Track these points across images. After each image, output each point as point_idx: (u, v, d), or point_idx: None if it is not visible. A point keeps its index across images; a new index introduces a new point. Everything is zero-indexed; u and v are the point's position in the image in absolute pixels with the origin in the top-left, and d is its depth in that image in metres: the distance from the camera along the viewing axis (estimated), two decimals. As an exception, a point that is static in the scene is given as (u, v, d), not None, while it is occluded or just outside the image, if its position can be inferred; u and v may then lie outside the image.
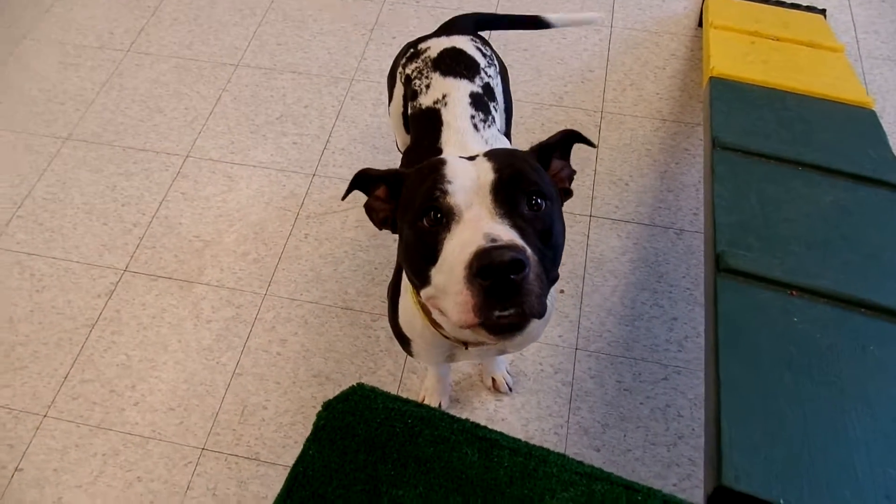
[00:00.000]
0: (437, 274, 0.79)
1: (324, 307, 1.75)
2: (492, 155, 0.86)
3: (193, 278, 1.82)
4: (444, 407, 1.56)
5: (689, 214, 1.91)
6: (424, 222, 0.81)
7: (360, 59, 2.32)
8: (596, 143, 0.98)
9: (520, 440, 0.81)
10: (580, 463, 0.81)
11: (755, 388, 0.90)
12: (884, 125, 1.65)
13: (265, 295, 1.78)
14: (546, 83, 2.24)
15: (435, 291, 0.81)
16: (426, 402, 1.55)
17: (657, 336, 1.69)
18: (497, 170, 0.82)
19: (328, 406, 0.83)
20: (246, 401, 1.61)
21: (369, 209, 0.99)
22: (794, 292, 1.06)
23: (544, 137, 2.18)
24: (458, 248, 0.75)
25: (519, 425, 1.56)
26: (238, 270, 1.83)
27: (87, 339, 1.72)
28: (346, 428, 0.79)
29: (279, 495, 0.76)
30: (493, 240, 0.72)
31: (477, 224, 0.76)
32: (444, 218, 0.80)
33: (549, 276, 0.80)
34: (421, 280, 0.82)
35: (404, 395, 1.59)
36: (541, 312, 0.74)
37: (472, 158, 0.87)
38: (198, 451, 1.54)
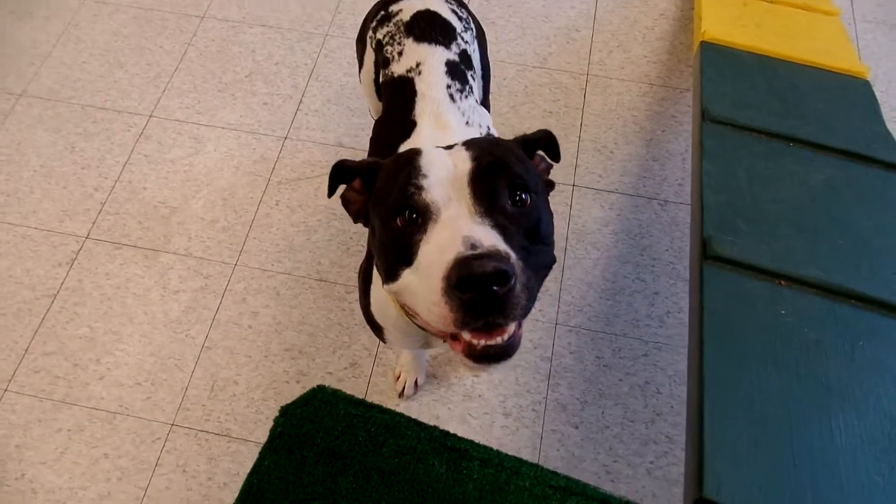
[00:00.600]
0: (411, 275, 0.73)
1: (296, 278, 1.69)
2: (470, 144, 0.79)
3: (159, 247, 1.74)
4: (419, 384, 1.53)
5: (675, 185, 1.86)
6: (398, 222, 0.74)
7: (334, 12, 2.19)
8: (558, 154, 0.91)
9: (491, 450, 0.77)
10: (555, 475, 0.78)
11: (740, 390, 0.87)
12: (876, 93, 1.60)
13: (235, 265, 1.71)
14: (530, 42, 2.14)
15: (404, 290, 0.74)
16: (402, 378, 1.52)
17: (638, 311, 1.66)
18: (475, 158, 0.75)
19: (286, 412, 0.78)
20: (216, 375, 1.56)
21: (345, 201, 0.92)
22: (782, 282, 1.02)
23: (527, 102, 2.11)
24: (436, 252, 0.68)
25: (496, 401, 1.54)
26: (206, 239, 1.75)
27: (48, 310, 1.65)
28: (304, 436, 0.74)
29: (233, 511, 0.72)
30: (474, 245, 0.65)
31: (455, 226, 0.69)
32: (420, 217, 0.73)
33: (539, 273, 0.74)
34: (390, 277, 0.76)
35: (380, 371, 1.57)
36: (526, 314, 0.68)
37: (449, 147, 0.80)
38: (167, 427, 1.50)
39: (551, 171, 0.95)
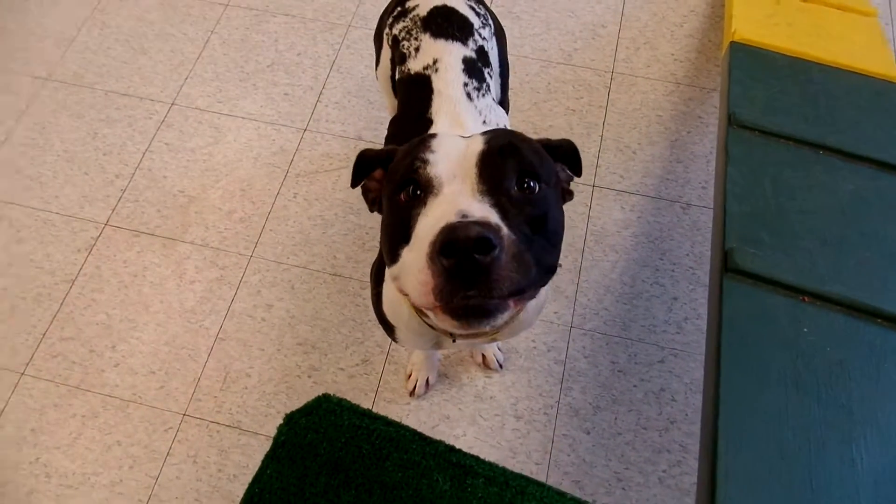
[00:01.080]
0: (408, 252, 0.70)
1: (311, 272, 1.69)
2: (488, 131, 0.78)
3: (177, 236, 1.75)
4: (431, 383, 1.52)
5: (698, 188, 1.82)
6: (401, 196, 0.73)
7: (357, 3, 2.17)
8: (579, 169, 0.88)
9: (497, 467, 0.75)
10: (562, 496, 0.76)
11: (758, 410, 0.84)
12: (913, 101, 1.54)
13: (251, 257, 1.71)
14: (555, 38, 2.10)
15: (402, 272, 0.72)
16: (413, 377, 1.51)
17: (656, 316, 1.63)
18: (487, 141, 0.74)
19: (290, 420, 0.77)
20: (229, 367, 1.57)
21: (365, 190, 0.91)
22: (805, 298, 0.99)
23: (549, 99, 2.08)
24: (431, 224, 0.66)
25: (508, 404, 1.52)
26: (223, 229, 1.75)
27: (66, 295, 1.66)
28: (307, 446, 0.73)
29: (235, 520, 0.72)
30: (465, 216, 0.63)
31: (454, 200, 0.67)
32: (422, 192, 0.71)
33: (542, 264, 0.70)
34: (392, 259, 0.74)
35: (392, 369, 1.56)
36: (516, 292, 0.64)
37: (468, 137, 0.79)
38: (178, 417, 1.51)
39: (571, 182, 0.92)
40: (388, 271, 0.76)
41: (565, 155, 0.87)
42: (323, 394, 0.79)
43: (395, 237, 0.73)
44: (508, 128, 1.17)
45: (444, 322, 0.67)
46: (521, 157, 0.73)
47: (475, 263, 0.60)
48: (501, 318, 0.67)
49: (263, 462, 0.76)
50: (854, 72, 1.56)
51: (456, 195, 0.68)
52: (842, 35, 1.72)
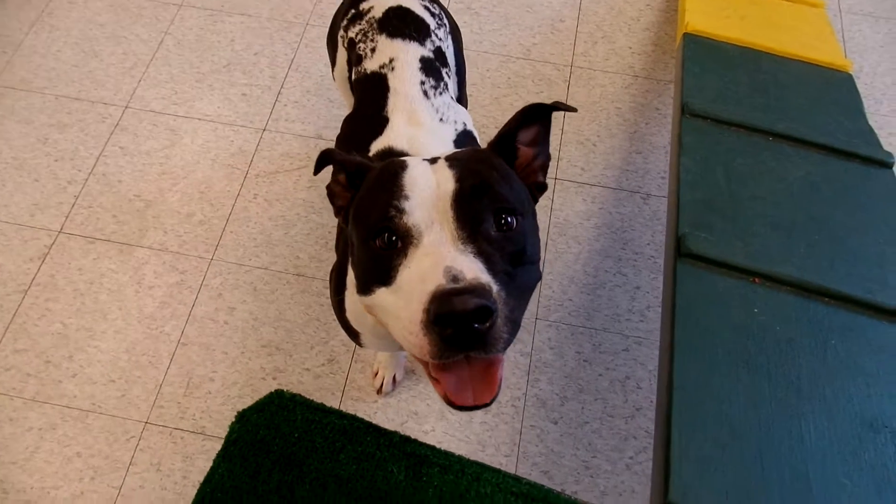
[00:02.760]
0: (389, 295, 0.70)
1: (274, 273, 1.67)
2: (454, 160, 0.76)
3: (134, 241, 1.71)
4: (398, 380, 1.51)
5: (657, 178, 1.85)
6: (377, 243, 0.71)
7: (315, 1, 2.15)
8: (563, 105, 0.84)
9: (452, 455, 0.75)
10: (517, 481, 0.76)
11: (710, 391, 0.85)
12: (860, 86, 1.58)
13: (211, 260, 1.68)
14: (514, 33, 2.11)
15: (377, 307, 0.72)
16: (380, 375, 1.50)
17: (619, 305, 1.65)
18: (459, 179, 0.72)
19: (242, 417, 0.76)
20: (191, 372, 1.54)
21: (331, 193, 0.89)
22: (756, 280, 1.01)
23: (510, 93, 2.09)
24: (417, 280, 0.66)
25: (475, 398, 1.52)
26: (182, 233, 1.72)
27: (19, 305, 1.62)
28: (260, 443, 0.72)
29: (185, 522, 0.70)
30: (455, 277, 0.63)
31: (438, 253, 0.66)
32: (400, 241, 0.70)
33: (524, 297, 0.72)
34: (364, 291, 0.74)
35: (358, 367, 1.55)
36: (507, 346, 0.66)
37: (434, 161, 0.77)
38: (140, 425, 1.48)
39: (548, 167, 0.89)
40: (362, 299, 0.75)
41: (529, 121, 0.83)
42: (276, 390, 0.78)
43: (371, 277, 0.73)
44: (467, 125, 1.17)
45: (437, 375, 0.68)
46: (495, 195, 0.72)
47: (473, 331, 0.61)
48: (496, 398, 0.68)
49: (215, 461, 0.75)
50: (803, 61, 1.60)
51: (437, 246, 0.68)
52: (791, 26, 1.76)
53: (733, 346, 0.92)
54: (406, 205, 0.70)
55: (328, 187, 0.88)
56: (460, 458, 0.76)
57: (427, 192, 0.71)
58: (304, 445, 0.72)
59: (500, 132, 0.84)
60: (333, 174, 0.88)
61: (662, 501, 0.74)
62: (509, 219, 0.71)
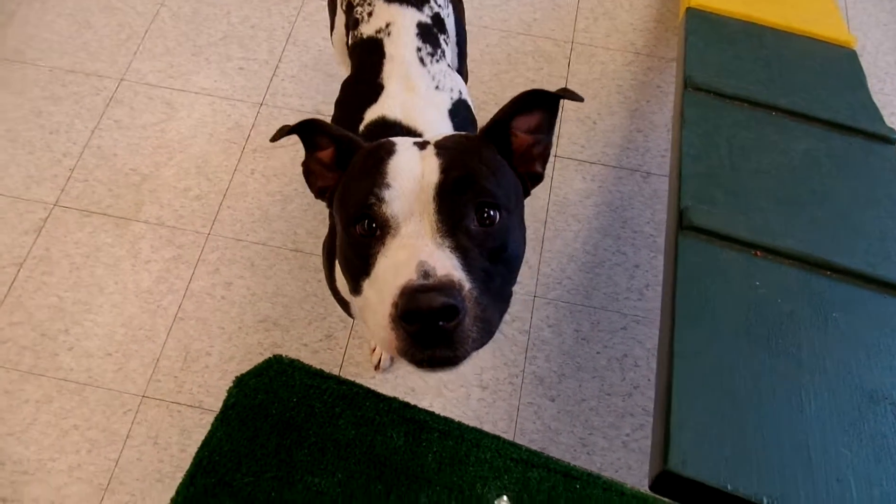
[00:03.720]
0: (368, 288, 0.70)
1: (271, 248, 1.66)
2: (443, 148, 0.74)
3: (130, 215, 1.69)
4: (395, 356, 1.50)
5: (658, 157, 1.84)
6: (357, 229, 0.70)
7: (313, -26, 2.12)
8: (571, 92, 0.80)
9: (452, 421, 0.75)
10: (517, 447, 0.76)
11: (710, 362, 0.85)
12: (864, 65, 1.57)
13: (209, 234, 1.67)
14: (515, 8, 2.08)
15: (363, 306, 0.72)
16: (377, 351, 1.50)
17: (618, 284, 1.64)
18: (444, 170, 0.70)
19: (240, 382, 0.75)
20: (188, 346, 1.53)
21: (307, 171, 0.85)
22: (758, 253, 1.00)
23: (510, 69, 2.06)
24: (391, 272, 0.65)
25: (473, 374, 1.52)
26: (179, 207, 1.71)
27: (14, 278, 1.60)
28: (258, 407, 0.72)
29: (182, 483, 0.70)
30: (427, 273, 0.62)
31: (414, 246, 0.65)
32: (379, 230, 0.69)
33: (502, 295, 0.71)
34: (354, 287, 0.73)
35: (356, 343, 1.55)
36: (478, 346, 0.65)
37: (423, 146, 0.75)
38: (137, 399, 1.47)
39: (548, 155, 0.85)
40: (355, 300, 0.74)
41: (525, 108, 0.80)
42: (274, 355, 0.77)
43: (355, 268, 0.72)
44: (463, 94, 1.15)
45: (410, 366, 0.67)
46: (479, 188, 0.70)
47: (439, 329, 0.61)
48: (463, 364, 0.67)
49: (213, 425, 0.74)
50: (806, 36, 1.58)
51: (414, 238, 0.67)
52: (795, 2, 1.74)
53: (734, 318, 0.92)
54: (387, 193, 0.69)
55: (304, 164, 0.85)
56: (459, 425, 0.75)
57: (410, 182, 0.70)
58: (302, 410, 0.72)
59: (494, 117, 0.81)
60: (309, 152, 0.84)
61: (662, 469, 0.74)
62: (492, 213, 0.70)
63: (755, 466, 0.76)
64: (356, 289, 0.73)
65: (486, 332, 0.66)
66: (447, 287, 0.61)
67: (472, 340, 0.64)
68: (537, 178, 0.85)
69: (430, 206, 0.69)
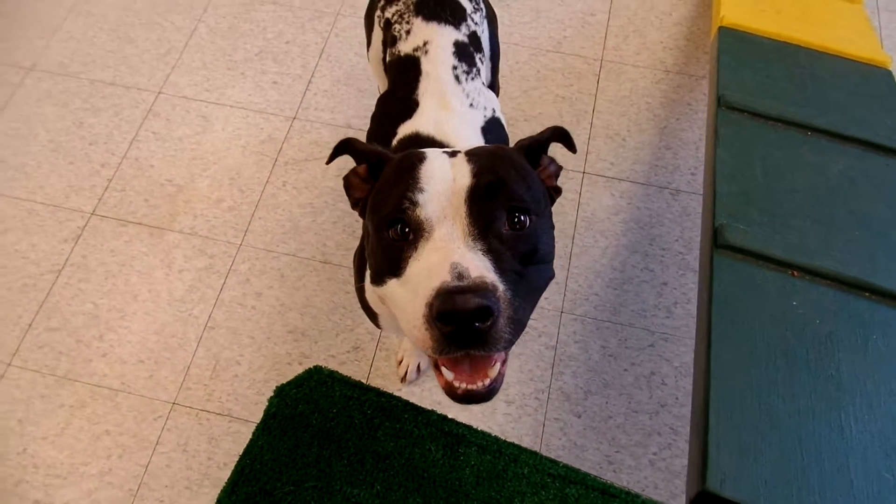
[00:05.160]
0: (397, 286, 0.71)
1: (301, 260, 1.68)
2: (474, 155, 0.76)
3: (165, 225, 1.73)
4: (422, 369, 1.51)
5: (687, 174, 1.83)
6: (390, 234, 0.72)
7: (346, -8, 2.16)
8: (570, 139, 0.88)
9: (489, 435, 0.75)
10: (554, 463, 0.76)
11: (748, 381, 0.84)
12: (899, 86, 1.55)
13: (240, 245, 1.70)
14: (545, 26, 2.10)
15: (388, 297, 0.74)
16: (404, 363, 1.50)
17: (646, 301, 1.64)
18: (476, 174, 0.72)
19: (280, 392, 0.76)
20: (218, 355, 1.56)
21: (347, 184, 0.90)
22: (794, 273, 0.99)
23: (539, 86, 2.08)
24: (424, 274, 0.67)
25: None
26: (212, 218, 1.74)
27: (52, 285, 1.64)
28: (299, 417, 0.73)
29: (223, 490, 0.71)
30: (461, 275, 0.63)
31: (447, 248, 0.67)
32: (412, 233, 0.71)
33: (532, 295, 0.73)
34: (377, 281, 0.75)
35: (382, 355, 1.56)
36: (510, 345, 0.67)
37: (454, 154, 0.78)
38: (168, 406, 1.50)
39: (560, 174, 0.92)
40: (377, 289, 0.77)
41: (557, 141, 0.87)
42: (314, 366, 0.78)
43: (384, 267, 0.74)
44: (496, 112, 1.17)
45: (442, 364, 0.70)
46: (510, 193, 0.72)
47: (473, 329, 0.62)
48: (496, 393, 0.70)
49: (254, 434, 0.75)
50: (840, 56, 1.57)
51: (448, 241, 0.68)
52: (828, 21, 1.73)
53: (772, 338, 0.91)
54: (420, 197, 0.71)
55: (345, 178, 0.89)
56: (497, 439, 0.75)
57: (442, 186, 0.72)
58: (342, 421, 0.72)
59: (531, 140, 0.86)
60: (354, 167, 0.89)
61: (700, 489, 0.73)
62: (522, 217, 0.72)
63: (795, 488, 0.75)
64: (380, 281, 0.74)
65: (518, 332, 0.67)
66: (481, 289, 0.63)
67: (505, 341, 0.65)
68: (557, 191, 0.90)
69: (462, 210, 0.70)
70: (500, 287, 0.65)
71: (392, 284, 0.72)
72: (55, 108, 1.93)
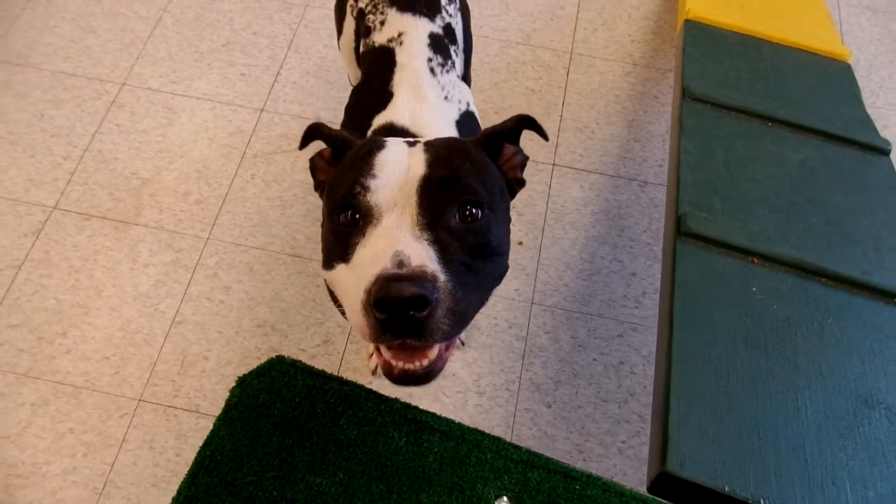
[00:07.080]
0: (346, 272, 0.71)
1: (270, 253, 1.66)
2: (431, 146, 0.77)
3: (130, 219, 1.70)
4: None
5: (655, 166, 1.85)
6: (340, 218, 0.72)
7: (315, -17, 2.14)
8: (540, 129, 0.87)
9: (453, 422, 0.75)
10: (517, 448, 0.76)
11: (708, 365, 0.86)
12: (858, 78, 1.59)
13: (207, 239, 1.67)
14: (514, 18, 2.10)
15: (335, 282, 0.74)
16: (374, 356, 1.50)
17: (615, 291, 1.65)
18: (430, 165, 0.72)
19: (242, 382, 0.76)
20: (186, 350, 1.53)
21: (313, 166, 0.90)
22: (754, 259, 1.02)
23: (509, 79, 2.08)
24: (369, 259, 0.67)
25: (470, 380, 1.52)
26: (178, 212, 1.71)
27: (12, 281, 1.60)
28: (260, 407, 0.72)
29: (183, 482, 0.70)
30: (402, 263, 0.63)
31: (393, 236, 0.67)
32: (361, 219, 0.71)
33: (481, 290, 0.72)
34: (327, 265, 0.76)
35: (353, 348, 1.55)
36: (449, 337, 0.66)
37: (413, 144, 0.78)
38: (134, 403, 1.47)
39: (526, 165, 0.92)
40: (324, 273, 0.77)
41: (525, 128, 0.86)
42: (276, 355, 0.77)
43: (333, 251, 0.74)
44: (470, 105, 1.17)
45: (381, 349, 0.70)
46: (463, 185, 0.72)
47: (409, 318, 0.62)
48: (436, 376, 0.69)
49: (215, 425, 0.75)
50: (802, 49, 1.60)
51: (394, 229, 0.68)
52: (791, 15, 1.77)
53: (732, 323, 0.93)
54: (372, 183, 0.71)
55: (311, 160, 0.90)
56: (460, 426, 0.76)
57: (395, 175, 0.72)
58: (304, 410, 0.72)
59: (492, 130, 0.86)
60: (321, 150, 0.89)
61: (660, 470, 0.75)
62: (474, 210, 0.72)
63: (752, 468, 0.76)
64: (329, 266, 0.75)
65: (460, 324, 0.67)
66: (419, 278, 0.63)
67: (442, 333, 0.65)
68: (521, 183, 0.90)
69: (413, 199, 0.71)
70: (442, 278, 0.65)
71: (340, 269, 0.72)
72: (14, 99, 1.87)
